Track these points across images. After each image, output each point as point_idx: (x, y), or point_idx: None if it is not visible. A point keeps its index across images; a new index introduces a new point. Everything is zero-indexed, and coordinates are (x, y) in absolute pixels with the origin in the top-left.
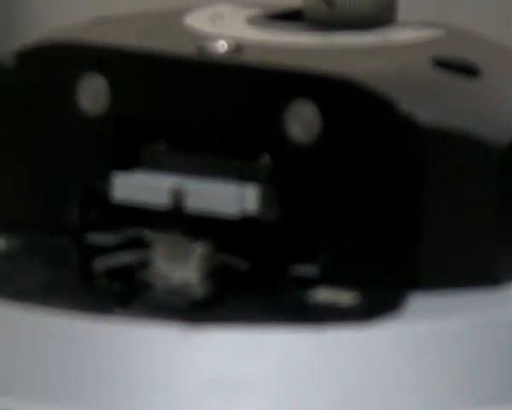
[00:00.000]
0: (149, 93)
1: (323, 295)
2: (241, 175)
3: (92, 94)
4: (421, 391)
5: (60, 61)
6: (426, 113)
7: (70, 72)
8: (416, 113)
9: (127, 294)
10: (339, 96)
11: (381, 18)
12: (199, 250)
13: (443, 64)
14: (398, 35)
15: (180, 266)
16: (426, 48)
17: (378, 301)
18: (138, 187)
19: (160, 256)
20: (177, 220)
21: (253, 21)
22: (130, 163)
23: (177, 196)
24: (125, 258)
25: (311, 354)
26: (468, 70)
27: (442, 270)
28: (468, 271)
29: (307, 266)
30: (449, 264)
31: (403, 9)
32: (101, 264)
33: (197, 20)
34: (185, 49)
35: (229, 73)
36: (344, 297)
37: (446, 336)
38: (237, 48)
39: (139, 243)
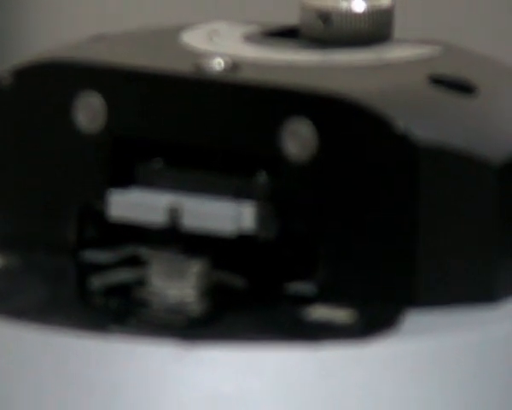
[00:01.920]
0: (146, 111)
1: (320, 312)
2: (238, 193)
3: (89, 112)
4: (419, 408)
5: (56, 80)
6: (422, 131)
7: (66, 90)
8: (413, 131)
9: (123, 311)
10: (335, 114)
11: (378, 35)
12: (195, 268)
13: (440, 82)
14: (395, 53)
15: (176, 284)
16: (422, 65)
17: (375, 318)
18: (135, 205)
19: (156, 274)
20: (173, 238)
21: (249, 39)
22: (127, 181)
23: (174, 214)
24: (121, 275)
25: (307, 372)
26: (464, 88)
27: (439, 287)
28: (466, 287)
29: (304, 283)
30: (446, 281)
31: (399, 27)
32: (97, 281)
33: (194, 38)
34: (182, 67)
35: (226, 90)
36: (340, 315)
37: (443, 353)
38: (234, 66)
39: (136, 261)
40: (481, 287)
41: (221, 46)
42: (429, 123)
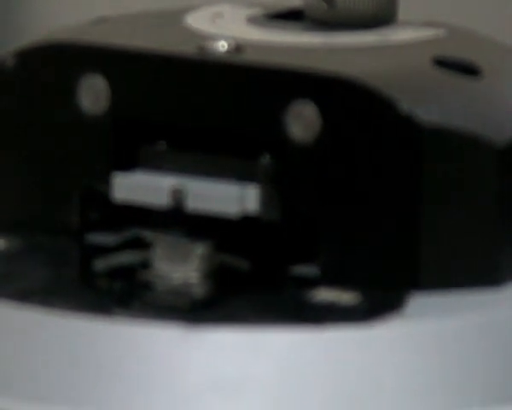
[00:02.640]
0: (149, 93)
1: (324, 295)
2: (242, 175)
3: (92, 94)
4: (422, 391)
5: (60, 62)
6: (426, 112)
7: (70, 72)
8: (417, 112)
9: (127, 294)
10: (339, 95)
11: (382, 17)
12: (199, 250)
13: (444, 64)
14: (399, 35)
15: (180, 266)
16: (427, 47)
17: (378, 300)
18: (138, 187)
19: (160, 256)
20: (177, 220)
21: (253, 21)
22: (131, 163)
23: (178, 196)
24: (125, 258)
25: (311, 354)
26: (469, 70)
27: (442, 270)
28: (469, 270)
29: (308, 266)
30: (449, 264)
31: (403, 9)
32: (101, 264)
33: (197, 20)
34: (185, 48)
35: (230, 72)
36: (344, 297)
37: (447, 336)
38: (237, 48)
39: (139, 244)
40: (484, 270)
41: (225, 28)
42: (433, 105)
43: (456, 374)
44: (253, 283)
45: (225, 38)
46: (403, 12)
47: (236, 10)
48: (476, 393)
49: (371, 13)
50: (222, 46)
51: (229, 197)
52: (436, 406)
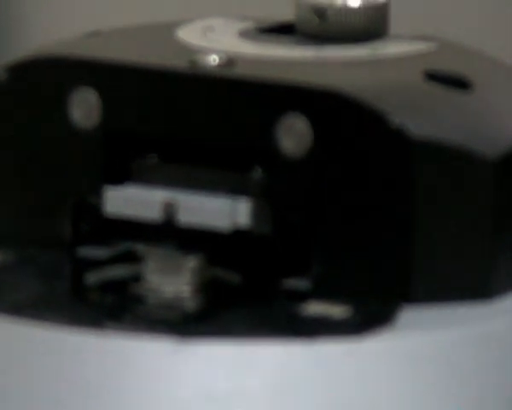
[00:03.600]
0: (141, 107)
1: (315, 308)
2: (233, 189)
3: (84, 108)
4: (413, 404)
5: (51, 75)
6: (417, 126)
7: (62, 85)
8: (408, 126)
9: (119, 307)
10: (330, 109)
11: (373, 31)
12: (191, 264)
13: (435, 77)
14: (390, 48)
15: (172, 280)
16: (418, 61)
17: (370, 313)
18: (130, 201)
19: (151, 270)
20: (168, 234)
21: (244, 35)
22: (122, 177)
23: (169, 210)
24: (116, 271)
25: (302, 368)
26: (460, 83)
27: (434, 283)
28: (460, 284)
29: (299, 279)
30: (441, 277)
31: (394, 23)
32: (93, 277)
33: (189, 34)
34: (177, 62)
35: (221, 86)
36: (336, 310)
37: (438, 349)
38: (229, 61)
39: (131, 257)
40: (477, 283)
41: (216, 42)
42: (424, 118)
43: (447, 387)
44: (245, 296)
45: (217, 52)
46: (394, 25)
47: (228, 24)
48: (467, 406)
49: (362, 27)
50: (213, 60)
51: (221, 211)
52: None
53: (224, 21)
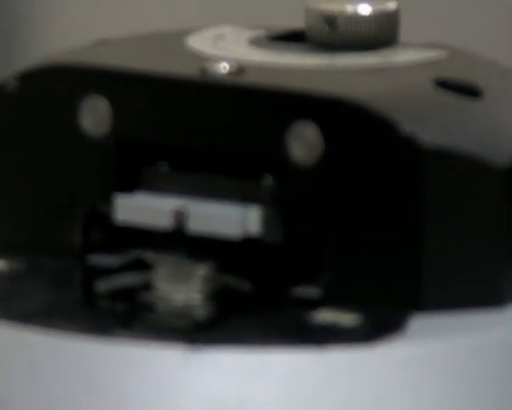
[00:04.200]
0: (151, 115)
1: (325, 316)
2: (244, 196)
3: (94, 116)
4: None
5: (62, 84)
6: (428, 134)
7: (72, 94)
8: (418, 134)
9: (129, 315)
10: (341, 117)
11: (383, 39)
12: (201, 272)
13: (445, 85)
14: (400, 56)
15: (182, 288)
16: (428, 69)
17: (380, 321)
18: (140, 209)
19: (162, 278)
20: (179, 242)
21: (255, 43)
22: (133, 185)
23: (180, 218)
24: (127, 279)
25: (313, 376)
26: (469, 91)
27: (444, 290)
28: (471, 291)
29: (309, 286)
30: (451, 284)
31: (405, 30)
32: (103, 285)
33: (199, 42)
34: (187, 70)
35: (232, 94)
36: (346, 318)
37: (448, 357)
38: (239, 69)
39: (141, 265)
40: (487, 291)
41: (226, 50)
42: (434, 126)
43: (457, 395)
44: (255, 304)
45: (227, 60)
46: (404, 33)
47: (238, 32)
48: None
49: (373, 35)
50: (224, 68)
51: (231, 219)
52: None
53: (235, 29)
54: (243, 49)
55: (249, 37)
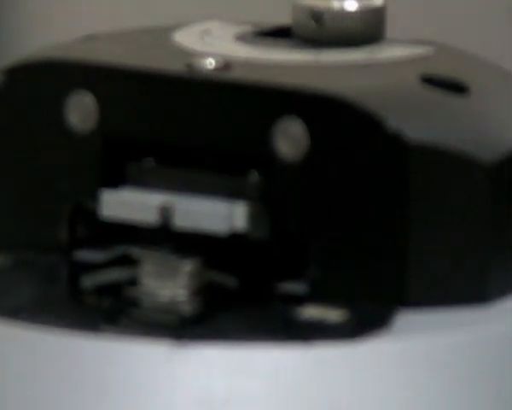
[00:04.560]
0: (138, 110)
1: (311, 312)
2: (230, 192)
3: (80, 111)
4: (409, 407)
5: (48, 79)
6: (414, 130)
7: (58, 89)
8: (404, 130)
9: (115, 311)
10: (327, 113)
11: (370, 35)
12: (187, 267)
13: (431, 81)
14: (387, 52)
15: (168, 283)
16: (414, 65)
17: (366, 317)
18: (126, 204)
19: (148, 273)
20: (165, 237)
21: (241, 38)
22: (119, 180)
23: (166, 214)
24: (113, 275)
25: (298, 372)
26: (456, 87)
27: (430, 287)
28: (457, 287)
29: (295, 283)
30: (437, 281)
31: (391, 27)
32: (89, 281)
33: (186, 38)
34: (173, 66)
35: (217, 90)
36: (332, 314)
37: (434, 353)
38: (225, 65)
39: (127, 260)
40: (473, 287)
41: (213, 46)
42: (421, 122)
43: (443, 391)
44: (241, 300)
45: (213, 56)
46: (390, 30)
47: (225, 28)
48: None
49: (359, 31)
50: (210, 63)
51: (217, 215)
52: None
53: (221, 25)
54: (229, 44)
55: (236, 32)
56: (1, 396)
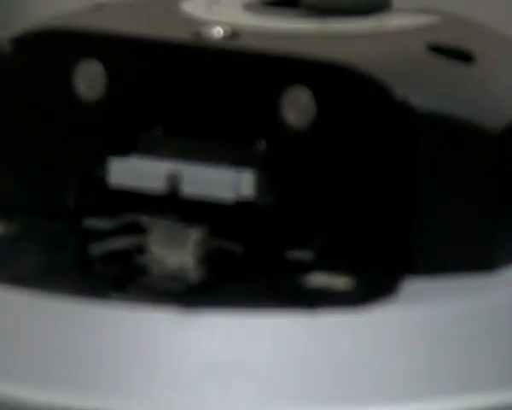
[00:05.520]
0: (145, 79)
1: (318, 279)
2: (237, 160)
3: (88, 80)
4: (415, 375)
5: (56, 47)
6: (421, 98)
7: (66, 58)
8: (411, 98)
9: (123, 278)
10: (334, 81)
11: (377, 4)
12: (194, 235)
13: (438, 50)
14: (394, 21)
15: (176, 251)
16: (421, 34)
17: (373, 285)
18: (134, 172)
19: (155, 241)
20: (172, 205)
21: (249, 7)
22: (127, 149)
23: (173, 182)
24: (121, 243)
25: (305, 338)
26: (463, 56)
27: (437, 255)
28: (464, 255)
29: (303, 250)
30: (444, 249)
31: None
32: (97, 249)
33: (193, 7)
34: (181, 34)
35: (225, 58)
36: (339, 282)
37: (441, 321)
38: (233, 34)
39: (135, 228)
40: (479, 255)
41: (221, 14)
42: (428, 90)
43: (450, 358)
44: (248, 267)
45: (221, 25)
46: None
47: None
48: (471, 377)
49: (366, 0)
50: (218, 32)
51: (225, 182)
52: (431, 390)
53: None
54: (237, 13)
55: (244, 1)
56: (9, 364)
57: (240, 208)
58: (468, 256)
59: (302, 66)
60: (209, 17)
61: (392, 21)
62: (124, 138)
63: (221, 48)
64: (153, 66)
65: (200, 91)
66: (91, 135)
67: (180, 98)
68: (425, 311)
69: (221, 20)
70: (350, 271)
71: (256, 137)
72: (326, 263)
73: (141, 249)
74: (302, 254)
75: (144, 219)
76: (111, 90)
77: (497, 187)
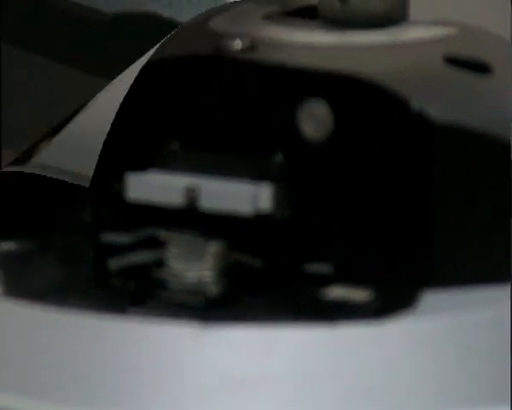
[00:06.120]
0: (162, 92)
1: (337, 292)
2: (255, 173)
3: None
4: (435, 388)
5: None
6: (438, 110)
7: None
8: (428, 110)
9: (141, 293)
10: (351, 94)
11: (394, 16)
12: (213, 249)
13: (455, 62)
14: (411, 33)
15: (194, 265)
16: (438, 46)
17: (392, 298)
18: (152, 187)
19: (174, 255)
20: (191, 219)
21: (268, 19)
22: (145, 163)
23: (191, 196)
24: (139, 257)
25: (325, 352)
26: (480, 68)
27: (456, 266)
28: (483, 267)
29: (321, 263)
30: (463, 260)
31: (414, 8)
32: (115, 263)
33: (218, 21)
34: (201, 47)
35: (243, 70)
36: (358, 294)
37: (460, 333)
38: (252, 46)
39: (153, 243)
40: (498, 266)
41: (241, 26)
42: (445, 103)
43: (469, 371)
44: (267, 281)
45: (240, 36)
46: (414, 11)
47: (252, 8)
48: (491, 389)
49: (383, 11)
50: (236, 44)
51: (243, 196)
52: (450, 402)
53: (249, 5)
54: (256, 25)
55: (263, 13)
56: (26, 378)
57: (258, 222)
58: (487, 267)
59: (319, 78)
60: (229, 29)
61: (408, 33)
62: (142, 153)
63: (239, 60)
64: (170, 79)
65: (217, 104)
66: (110, 149)
67: (197, 111)
68: (444, 323)
69: (241, 31)
70: (368, 283)
71: (273, 150)
72: (345, 276)
73: (159, 264)
74: (320, 267)
75: (162, 234)
76: (128, 104)
77: None
